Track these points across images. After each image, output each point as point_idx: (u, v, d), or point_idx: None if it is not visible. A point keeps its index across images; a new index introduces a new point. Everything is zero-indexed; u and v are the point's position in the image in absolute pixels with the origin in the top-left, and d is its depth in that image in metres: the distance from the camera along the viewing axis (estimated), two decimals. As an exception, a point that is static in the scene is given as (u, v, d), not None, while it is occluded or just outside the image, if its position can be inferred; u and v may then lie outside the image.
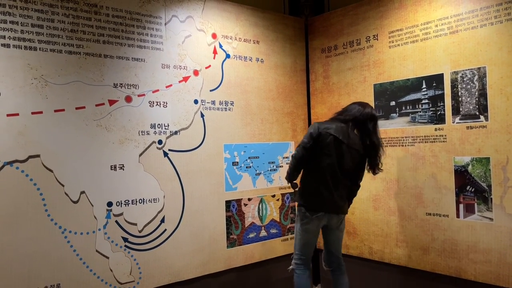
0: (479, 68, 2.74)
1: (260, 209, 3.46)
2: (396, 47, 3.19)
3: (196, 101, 3.09)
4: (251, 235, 3.39)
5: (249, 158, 3.40)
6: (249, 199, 3.39)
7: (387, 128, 3.24)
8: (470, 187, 2.80)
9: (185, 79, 3.04)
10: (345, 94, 3.54)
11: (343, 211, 2.76)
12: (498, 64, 2.65)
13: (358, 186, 2.81)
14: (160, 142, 2.89)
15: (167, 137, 2.93)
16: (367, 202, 3.39)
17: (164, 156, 2.92)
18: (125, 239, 2.73)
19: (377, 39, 3.31)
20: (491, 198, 2.70)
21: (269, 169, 3.53)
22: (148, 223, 2.84)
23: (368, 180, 3.23)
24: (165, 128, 2.92)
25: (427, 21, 3.00)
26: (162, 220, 2.90)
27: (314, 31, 3.80)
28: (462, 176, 2.84)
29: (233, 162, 3.29)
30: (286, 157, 3.65)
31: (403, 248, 3.18)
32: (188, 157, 3.03)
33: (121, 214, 2.71)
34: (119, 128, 2.71)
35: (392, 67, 3.21)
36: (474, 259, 2.79)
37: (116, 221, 2.69)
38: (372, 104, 3.31)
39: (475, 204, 2.78)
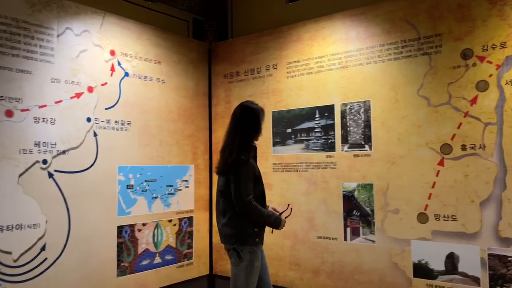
0: (364, 102, 2.99)
1: (155, 234, 3.32)
2: (293, 77, 3.35)
3: (89, 119, 2.91)
4: (145, 262, 3.23)
5: (145, 181, 3.27)
6: (144, 224, 3.24)
7: (284, 154, 3.36)
8: (356, 211, 3.00)
9: (78, 95, 2.86)
10: (245, 120, 3.61)
11: None
12: (380, 99, 2.92)
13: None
14: (44, 162, 2.65)
15: (54, 157, 2.70)
16: (264, 226, 3.45)
17: (49, 177, 2.68)
18: (-4, 270, 2.42)
19: (276, 68, 3.46)
20: (374, 222, 2.91)
21: (167, 192, 3.43)
22: (26, 251, 2.56)
23: (264, 205, 3.29)
24: (51, 147, 2.69)
25: (321, 55, 3.21)
26: (43, 248, 2.63)
27: (217, 56, 3.86)
28: (349, 201, 3.03)
29: (127, 185, 3.14)
30: (185, 181, 3.58)
31: (295, 271, 3.27)
32: (77, 178, 2.82)
33: (-7, 241, 2.41)
34: (-5, 145, 2.44)
35: (289, 96, 3.36)
36: (359, 280, 2.96)
37: (-14, 250, 2.39)
38: (271, 130, 3.42)
39: (360, 228, 2.98)
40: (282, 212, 2.49)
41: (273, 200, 3.26)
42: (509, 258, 2.43)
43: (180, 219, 3.53)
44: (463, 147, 2.60)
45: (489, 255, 2.50)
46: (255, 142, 2.44)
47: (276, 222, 2.38)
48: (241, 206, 2.27)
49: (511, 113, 2.45)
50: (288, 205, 2.69)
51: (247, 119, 2.38)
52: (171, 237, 3.44)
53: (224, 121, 3.76)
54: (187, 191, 3.59)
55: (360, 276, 2.96)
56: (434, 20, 2.73)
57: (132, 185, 3.17)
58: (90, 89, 2.93)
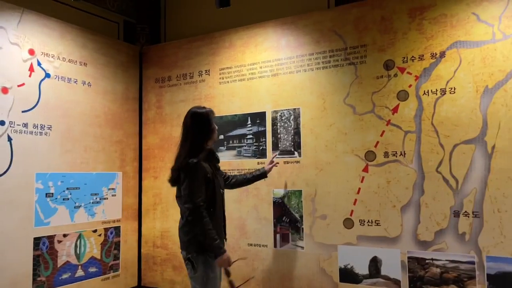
0: (294, 109, 3.03)
1: (78, 246, 3.13)
2: (226, 84, 3.33)
3: (3, 122, 2.70)
4: (65, 276, 3.02)
5: (67, 189, 3.08)
6: (65, 235, 3.04)
7: (215, 160, 3.31)
8: (286, 218, 3.01)
9: (-10, 96, 2.64)
10: (177, 126, 3.52)
11: None
12: (309, 107, 2.97)
13: None
14: None
15: (-41, 163, 2.46)
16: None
17: (-47, 185, 2.44)
18: None
19: (209, 74, 3.42)
20: (303, 228, 2.94)
21: (91, 201, 3.25)
22: None
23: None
24: (-44, 152, 2.45)
25: (253, 62, 3.22)
26: None
27: (148, 60, 3.75)
28: (279, 207, 3.04)
29: (46, 194, 2.94)
30: (112, 188, 3.42)
31: (226, 280, 3.20)
32: (-13, 186, 2.60)
33: None
34: None
35: (222, 102, 3.33)
36: (288, 287, 2.96)
37: None
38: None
39: (290, 234, 2.99)
40: (236, 260, 2.48)
41: (204, 207, 3.19)
42: (427, 261, 2.55)
43: (106, 229, 3.35)
44: (386, 154, 2.70)
45: (408, 258, 2.60)
46: (210, 144, 2.41)
47: (215, 248, 2.18)
48: (190, 209, 2.19)
49: (428, 122, 2.58)
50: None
51: (195, 124, 2.34)
52: (95, 248, 3.25)
53: (155, 127, 3.66)
54: (114, 199, 3.43)
55: (289, 283, 2.97)
56: (360, 31, 2.83)
57: (52, 193, 2.97)
58: (5, 90, 2.72)
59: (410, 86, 2.64)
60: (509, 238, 2.34)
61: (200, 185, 2.22)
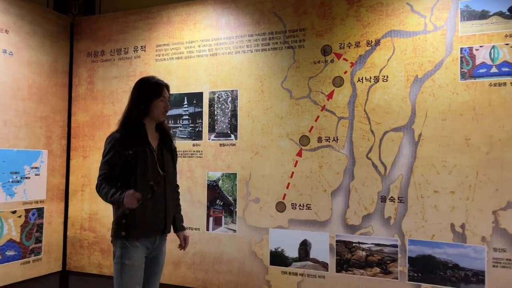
0: (232, 91, 2.97)
1: (-6, 227, 2.90)
2: (162, 61, 3.20)
3: None
4: (-22, 259, 2.79)
5: (-18, 165, 2.83)
6: (-22, 216, 2.80)
7: (149, 141, 3.18)
8: (220, 201, 2.97)
9: None
10: (109, 103, 3.35)
11: None
12: (247, 89, 2.92)
13: None
14: None
15: None
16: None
17: None
18: None
19: (144, 50, 3.26)
20: (236, 211, 2.91)
21: (11, 180, 3.02)
22: None
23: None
24: None
25: (191, 40, 3.11)
26: None
27: (80, 32, 3.51)
28: (213, 190, 2.99)
29: (-43, 170, 2.68)
30: (36, 167, 3.19)
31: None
32: None
33: None
34: None
35: (158, 81, 3.19)
36: (219, 270, 2.93)
37: None
38: (136, 115, 3.22)
39: (223, 217, 2.95)
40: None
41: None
42: (354, 244, 2.61)
43: (27, 210, 3.13)
44: (319, 139, 2.72)
45: (337, 241, 2.65)
46: (146, 120, 2.13)
47: (119, 199, 1.94)
48: (96, 186, 2.06)
49: (361, 108, 2.62)
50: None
51: (133, 93, 2.15)
52: (14, 231, 3.03)
53: (85, 103, 3.45)
54: (37, 179, 3.21)
55: (220, 266, 2.93)
56: (299, 15, 2.80)
57: (-36, 170, 2.72)
58: None
59: (345, 72, 2.67)
60: (430, 223, 2.45)
61: (108, 161, 2.04)
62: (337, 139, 2.67)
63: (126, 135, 2.07)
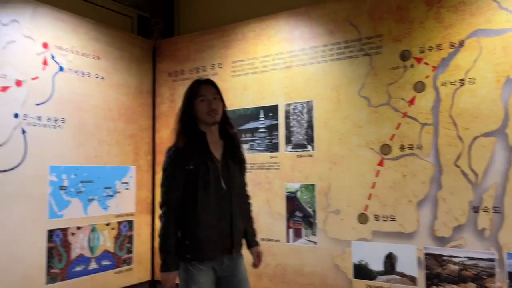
0: (307, 102, 2.97)
1: (91, 238, 3.14)
2: (238, 77, 3.29)
3: (16, 115, 2.72)
4: (78, 268, 3.04)
5: (81, 182, 3.09)
6: (78, 228, 3.05)
7: (228, 154, 3.28)
8: (299, 213, 2.96)
9: (4, 89, 2.66)
10: (190, 119, 3.51)
11: None
12: (323, 99, 2.90)
13: None
14: (-38, 159, 2.44)
15: (-26, 155, 2.49)
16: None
17: (-32, 177, 2.47)
18: None
19: (221, 67, 3.38)
20: (316, 223, 2.88)
21: (105, 194, 3.26)
22: None
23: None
24: (-29, 144, 2.48)
25: (265, 54, 3.17)
26: (-41, 254, 2.41)
27: (161, 54, 3.74)
28: (292, 202, 2.99)
29: (60, 186, 2.95)
30: (126, 182, 3.42)
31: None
32: (2, 178, 2.62)
33: None
34: None
35: (234, 96, 3.29)
36: (301, 282, 2.91)
37: None
38: (215, 130, 3.34)
39: (303, 229, 2.93)
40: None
41: (216, 201, 3.17)
42: (444, 257, 2.46)
43: (119, 223, 3.36)
44: (402, 147, 2.61)
45: (425, 254, 2.52)
46: (202, 126, 1.96)
47: (164, 265, 1.87)
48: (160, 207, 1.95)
49: (446, 114, 2.49)
50: None
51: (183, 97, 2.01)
52: (108, 242, 3.26)
53: (168, 121, 3.65)
54: (127, 193, 3.43)
55: (302, 279, 2.91)
56: (375, 21, 2.74)
57: (66, 186, 2.99)
58: (19, 83, 2.74)
59: (427, 77, 2.55)
60: (531, 235, 2.24)
61: (170, 183, 1.90)
62: (421, 147, 2.55)
63: (184, 147, 1.91)
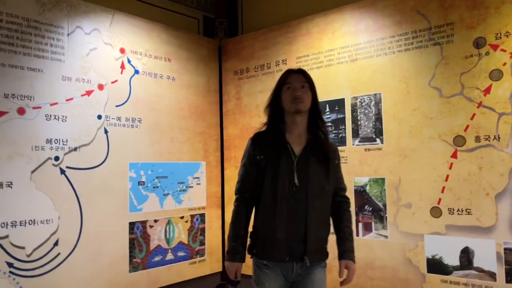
0: (375, 94, 2.94)
1: (167, 231, 3.34)
2: (303, 72, 3.32)
3: (99, 117, 2.95)
4: (157, 259, 3.25)
5: (156, 177, 3.29)
6: (156, 221, 3.26)
7: (294, 149, 3.33)
8: (368, 207, 2.95)
9: (88, 93, 2.89)
10: (256, 116, 3.60)
11: None
12: (391, 91, 2.86)
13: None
14: (56, 158, 2.69)
15: (65, 154, 2.74)
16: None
17: (61, 174, 2.72)
18: (10, 265, 2.47)
19: (286, 63, 3.43)
20: (386, 217, 2.86)
21: (178, 189, 3.44)
22: (39, 246, 2.60)
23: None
24: (63, 144, 2.74)
25: (330, 48, 3.17)
26: (56, 243, 2.67)
27: (227, 53, 3.86)
28: (361, 196, 2.98)
29: (139, 182, 3.16)
30: (197, 177, 3.59)
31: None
32: (89, 175, 2.86)
33: (6, 236, 2.46)
34: (8, 142, 2.49)
35: (300, 91, 3.33)
36: (371, 276, 2.91)
37: (0, 244, 2.43)
38: (281, 125, 3.40)
39: (373, 223, 2.92)
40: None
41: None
42: (527, 253, 2.35)
43: (192, 216, 3.54)
44: (477, 139, 2.52)
45: (505, 249, 2.42)
46: (288, 116, 1.88)
47: (228, 249, 1.90)
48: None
49: (526, 102, 2.37)
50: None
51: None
52: (183, 234, 3.45)
53: (235, 118, 3.76)
54: (198, 188, 3.60)
55: (372, 272, 2.91)
56: (446, 9, 2.66)
57: (144, 181, 3.20)
58: (101, 87, 2.97)
59: (504, 64, 2.44)
60: None
61: (243, 168, 1.93)
62: (499, 138, 2.45)
63: (260, 136, 1.91)
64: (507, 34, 2.44)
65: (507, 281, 2.40)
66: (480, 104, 2.52)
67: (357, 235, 2.99)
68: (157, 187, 3.29)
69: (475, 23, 2.55)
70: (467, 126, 2.56)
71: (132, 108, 3.15)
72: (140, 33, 3.24)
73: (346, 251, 1.93)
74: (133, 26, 3.20)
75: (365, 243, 2.95)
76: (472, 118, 2.54)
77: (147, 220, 3.20)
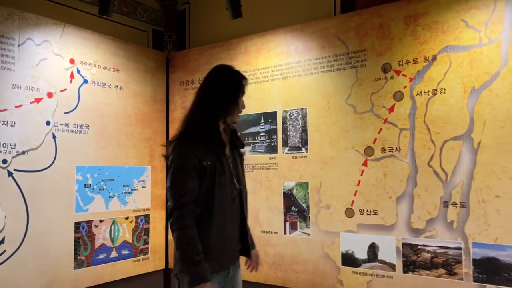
0: (302, 109, 3.33)
1: (112, 230, 3.56)
2: (242, 86, 3.66)
3: (48, 123, 3.15)
4: (101, 256, 3.46)
5: (102, 180, 3.51)
6: (101, 221, 3.48)
7: (233, 156, 3.66)
8: (294, 208, 3.32)
9: (38, 100, 3.09)
10: (199, 124, 3.90)
11: None
12: (315, 107, 3.26)
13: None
14: (4, 161, 2.88)
15: (13, 157, 2.93)
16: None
17: (9, 176, 2.90)
18: (-44, 261, 2.63)
19: (226, 77, 3.76)
20: (309, 217, 3.24)
21: (124, 191, 3.68)
22: (-15, 243, 2.77)
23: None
24: (11, 148, 2.92)
25: (265, 66, 3.54)
26: (2, 241, 2.85)
27: (174, 65, 4.14)
28: (289, 198, 3.35)
29: (85, 184, 3.38)
30: (142, 181, 3.84)
31: (243, 264, 3.55)
32: (36, 177, 3.05)
33: (-47, 234, 2.62)
34: (-43, 145, 2.65)
35: (238, 103, 3.67)
36: (296, 269, 3.28)
37: None
38: (221, 134, 3.72)
39: (298, 222, 3.30)
40: None
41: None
42: (419, 247, 2.79)
43: (137, 217, 3.78)
44: (383, 150, 2.95)
45: (403, 244, 2.85)
46: (228, 121, 1.79)
47: (190, 273, 1.58)
48: (171, 209, 1.65)
49: (421, 120, 2.82)
50: None
51: (211, 85, 1.72)
52: (127, 233, 3.68)
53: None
54: (144, 190, 3.85)
55: (297, 266, 3.28)
56: (361, 37, 3.08)
57: (90, 184, 3.41)
58: (50, 95, 3.17)
59: (405, 87, 2.89)
60: (492, 226, 2.55)
61: (187, 176, 1.61)
62: (400, 149, 2.88)
63: (200, 140, 1.66)
64: (407, 61, 2.89)
65: (404, 271, 2.84)
66: (385, 120, 2.95)
67: (285, 233, 3.35)
68: (103, 189, 3.52)
69: (383, 50, 2.99)
70: (375, 139, 2.98)
71: (80, 115, 3.36)
72: (89, 45, 3.46)
73: (252, 243, 2.06)
74: (83, 39, 3.42)
75: (291, 240, 3.32)
76: (379, 132, 2.97)
77: (92, 220, 3.41)
